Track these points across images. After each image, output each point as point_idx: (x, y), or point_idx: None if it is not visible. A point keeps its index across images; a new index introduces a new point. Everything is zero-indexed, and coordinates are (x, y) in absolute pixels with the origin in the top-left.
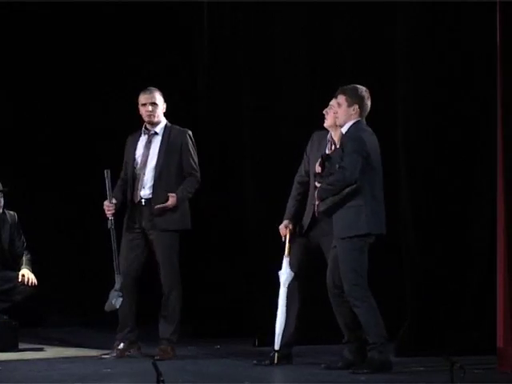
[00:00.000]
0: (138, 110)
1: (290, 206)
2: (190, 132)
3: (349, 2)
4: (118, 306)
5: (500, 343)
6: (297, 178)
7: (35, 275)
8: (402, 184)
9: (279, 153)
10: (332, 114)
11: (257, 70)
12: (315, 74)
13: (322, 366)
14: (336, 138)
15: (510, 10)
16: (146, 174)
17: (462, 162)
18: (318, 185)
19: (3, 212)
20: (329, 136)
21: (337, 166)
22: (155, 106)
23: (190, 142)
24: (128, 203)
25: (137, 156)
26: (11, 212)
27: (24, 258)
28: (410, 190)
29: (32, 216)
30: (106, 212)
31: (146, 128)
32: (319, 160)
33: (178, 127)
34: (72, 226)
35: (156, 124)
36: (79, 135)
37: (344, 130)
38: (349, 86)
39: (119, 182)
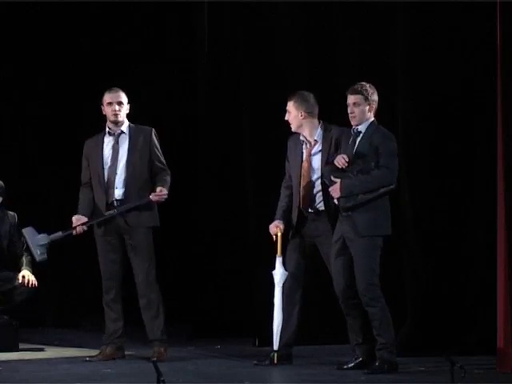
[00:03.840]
0: (101, 110)
1: (279, 207)
2: (154, 130)
3: (349, 2)
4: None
5: (500, 344)
6: (283, 184)
7: (35, 276)
8: (402, 184)
9: (280, 153)
10: (289, 120)
11: (257, 70)
12: (315, 74)
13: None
14: (307, 136)
15: (510, 9)
16: (118, 174)
17: (462, 162)
18: (335, 180)
19: (3, 211)
20: (301, 137)
21: (372, 164)
22: (121, 105)
23: (156, 139)
24: (98, 205)
25: (105, 157)
26: (11, 213)
27: (24, 260)
28: (410, 190)
29: (31, 216)
30: (77, 228)
31: (109, 128)
32: (343, 156)
33: (141, 126)
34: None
35: (121, 124)
36: (79, 136)
37: (362, 128)
38: (364, 86)
39: (84, 194)
